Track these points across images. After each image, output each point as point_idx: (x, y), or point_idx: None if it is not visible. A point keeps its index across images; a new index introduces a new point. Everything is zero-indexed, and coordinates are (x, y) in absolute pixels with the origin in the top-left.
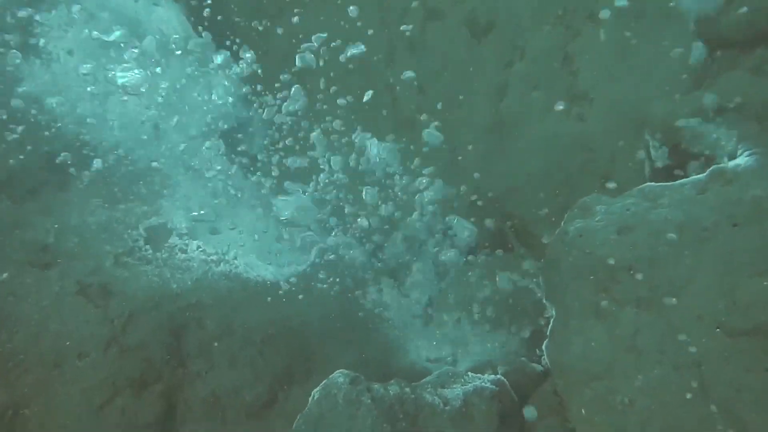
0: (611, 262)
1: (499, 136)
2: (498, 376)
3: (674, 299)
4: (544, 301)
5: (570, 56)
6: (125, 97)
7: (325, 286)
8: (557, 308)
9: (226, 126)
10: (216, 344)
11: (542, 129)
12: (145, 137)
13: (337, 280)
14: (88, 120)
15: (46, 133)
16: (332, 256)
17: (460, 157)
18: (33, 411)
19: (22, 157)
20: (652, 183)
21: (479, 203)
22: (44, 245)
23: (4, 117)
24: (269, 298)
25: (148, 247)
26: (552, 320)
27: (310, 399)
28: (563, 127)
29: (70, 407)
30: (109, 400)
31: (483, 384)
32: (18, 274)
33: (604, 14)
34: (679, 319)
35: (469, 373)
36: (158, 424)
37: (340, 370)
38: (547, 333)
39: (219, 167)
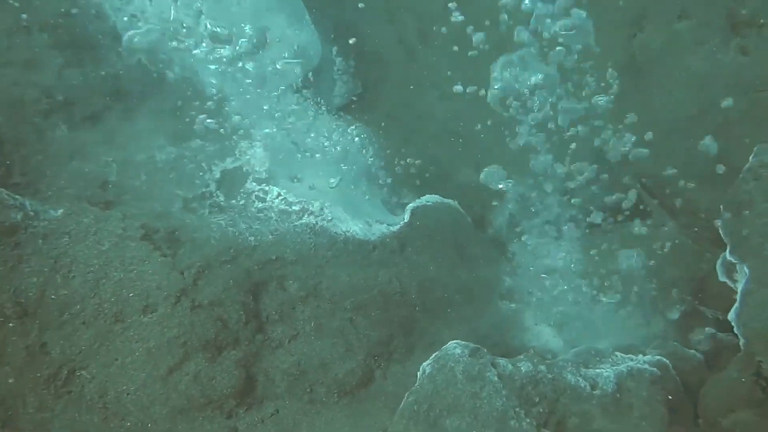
0: None
1: (633, 77)
2: (658, 357)
3: None
4: (728, 257)
5: None
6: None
7: (425, 248)
8: (751, 264)
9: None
10: (300, 308)
11: (691, 66)
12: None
13: (440, 242)
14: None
15: (113, 51)
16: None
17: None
18: (91, 372)
19: (82, 77)
20: None
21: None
22: (105, 181)
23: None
24: (361, 258)
25: (219, 192)
26: (745, 280)
27: (419, 373)
28: (720, 63)
29: (134, 370)
30: (180, 364)
31: (639, 365)
32: (75, 212)
33: None
34: None
35: (618, 353)
36: (236, 397)
37: (456, 340)
38: (737, 296)
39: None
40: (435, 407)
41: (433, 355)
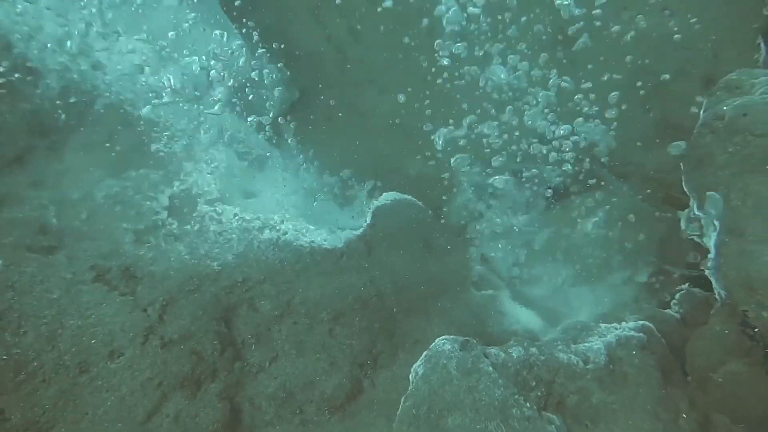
0: None
1: (560, 45)
2: (642, 321)
3: None
4: (696, 212)
5: None
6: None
7: (392, 247)
8: (722, 216)
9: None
10: (276, 328)
11: (614, 32)
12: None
13: (405, 238)
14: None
15: (29, 85)
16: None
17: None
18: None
19: None
20: None
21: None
22: (43, 225)
23: None
24: (330, 267)
25: (172, 220)
26: (716, 233)
27: (412, 376)
28: (643, 26)
29: (108, 422)
30: (158, 407)
31: (626, 333)
32: (15, 263)
33: None
34: None
35: (602, 323)
36: (223, 431)
37: (443, 336)
38: (711, 250)
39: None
40: (434, 408)
41: (423, 355)
